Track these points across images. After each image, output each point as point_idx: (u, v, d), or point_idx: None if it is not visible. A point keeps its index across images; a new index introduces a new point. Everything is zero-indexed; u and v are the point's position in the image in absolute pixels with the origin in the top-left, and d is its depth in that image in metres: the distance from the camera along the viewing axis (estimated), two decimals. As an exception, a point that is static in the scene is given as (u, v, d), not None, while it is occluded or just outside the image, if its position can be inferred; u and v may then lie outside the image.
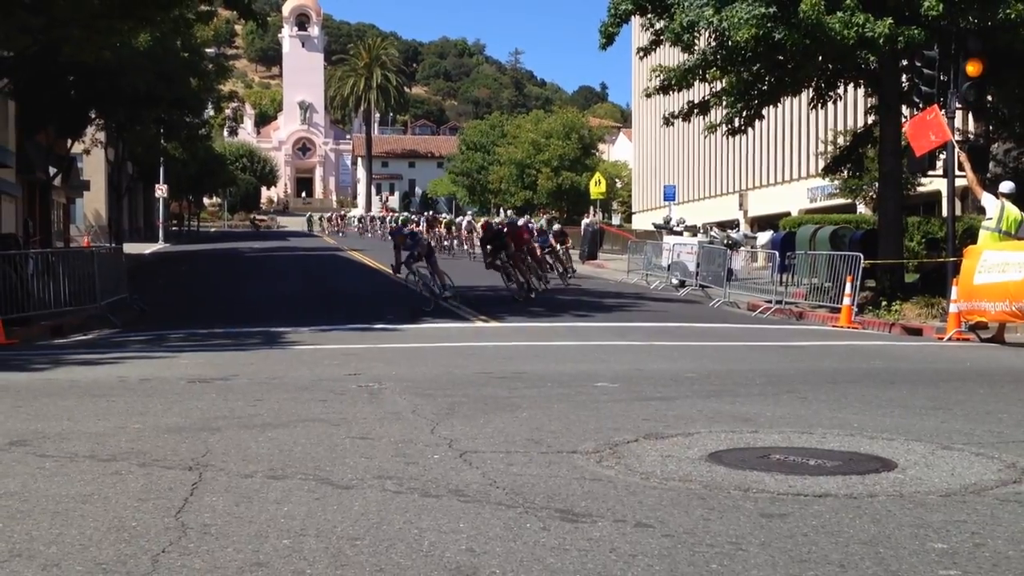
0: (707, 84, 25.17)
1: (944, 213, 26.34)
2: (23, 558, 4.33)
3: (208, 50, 51.11)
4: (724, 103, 24.99)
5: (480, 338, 16.67)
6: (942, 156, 21.01)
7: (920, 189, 36.45)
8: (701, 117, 26.37)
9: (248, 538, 4.62)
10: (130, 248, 44.35)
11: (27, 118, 37.34)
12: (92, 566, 4.22)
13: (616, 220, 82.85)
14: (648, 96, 25.64)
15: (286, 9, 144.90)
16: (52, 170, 41.38)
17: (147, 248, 55.11)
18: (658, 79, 24.41)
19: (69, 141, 41.74)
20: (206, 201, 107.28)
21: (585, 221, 51.99)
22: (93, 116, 40.72)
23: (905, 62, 22.34)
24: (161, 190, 65.72)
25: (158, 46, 36.23)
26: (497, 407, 8.61)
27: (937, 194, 37.80)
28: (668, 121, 26.06)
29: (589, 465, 6.22)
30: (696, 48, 22.76)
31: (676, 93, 25.29)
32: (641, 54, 25.55)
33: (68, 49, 25.01)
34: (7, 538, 4.63)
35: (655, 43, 24.31)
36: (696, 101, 25.79)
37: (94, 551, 4.43)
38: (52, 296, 17.86)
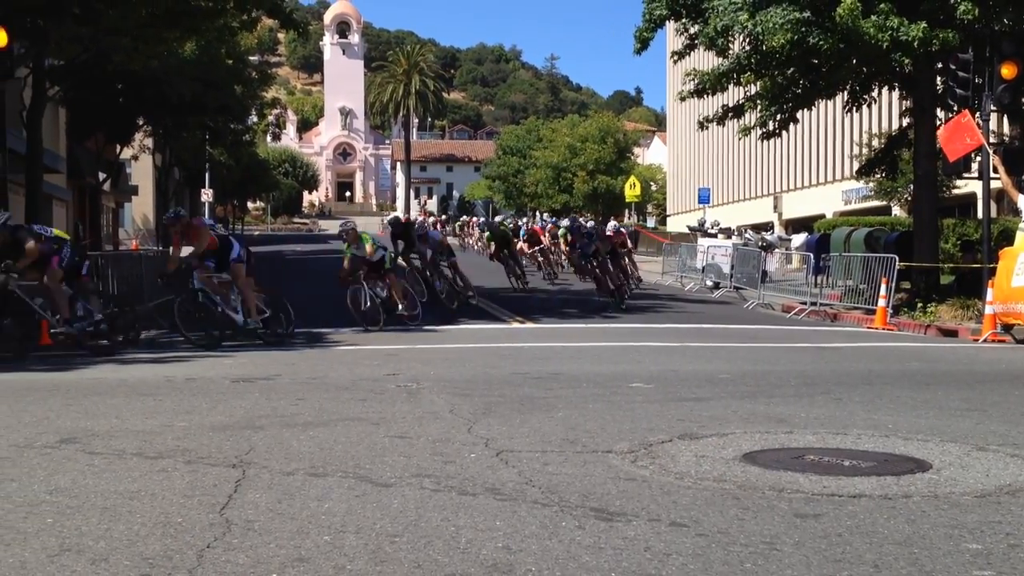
0: (741, 87, 25.12)
1: (980, 215, 26.17)
2: (73, 552, 4.43)
3: (252, 58, 51.55)
4: (758, 106, 24.94)
5: (516, 339, 16.70)
6: (977, 159, 20.91)
7: (955, 191, 36.30)
8: (735, 120, 26.34)
9: (290, 534, 4.70)
10: (177, 251, 44.57)
11: (77, 125, 38.05)
12: (139, 560, 4.30)
13: (651, 223, 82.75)
14: (682, 99, 25.62)
15: (327, 17, 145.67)
16: (101, 175, 42.08)
17: (193, 251, 55.18)
18: (692, 83, 24.38)
19: (118, 147, 42.32)
20: (250, 205, 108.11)
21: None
22: (141, 123, 41.25)
23: (939, 65, 22.22)
24: (207, 194, 66.17)
25: (203, 54, 36.75)
26: (533, 407, 8.68)
27: (972, 196, 37.58)
28: (703, 125, 26.03)
29: (624, 465, 6.27)
30: (730, 52, 22.73)
31: (710, 96, 25.27)
32: (675, 58, 25.52)
33: (117, 58, 25.42)
34: (58, 533, 4.73)
35: (689, 47, 24.28)
36: (730, 104, 25.76)
37: (141, 546, 4.51)
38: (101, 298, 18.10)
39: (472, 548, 4.51)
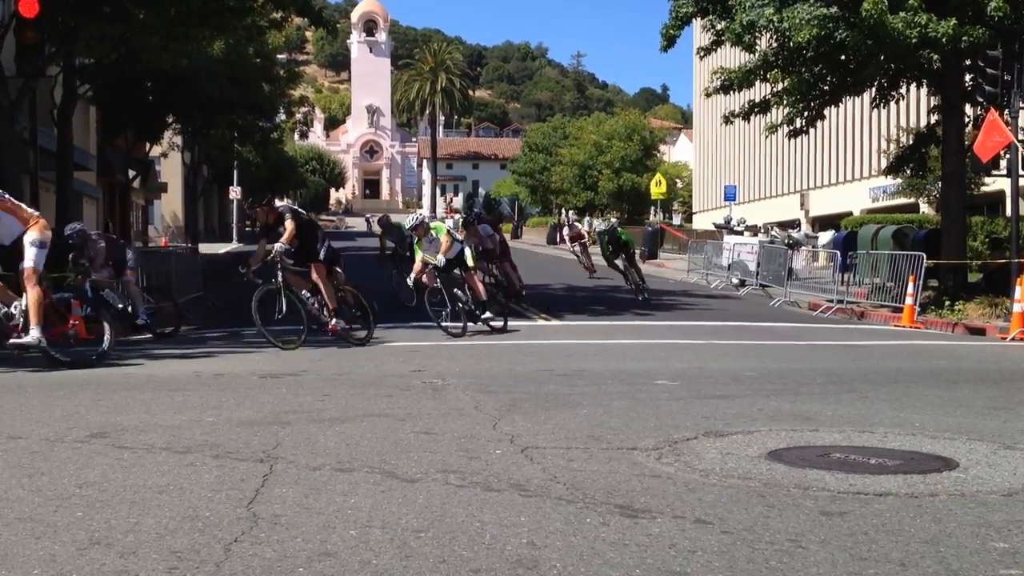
0: (768, 84, 25.05)
1: (1008, 212, 26.00)
2: (102, 546, 4.46)
3: (280, 56, 51.89)
4: (785, 103, 24.86)
5: (541, 336, 16.71)
6: (1006, 156, 20.81)
7: (984, 189, 36.05)
8: (762, 117, 26.26)
9: (317, 529, 4.72)
10: (205, 248, 44.91)
11: (107, 123, 38.49)
12: (167, 554, 4.32)
13: (677, 220, 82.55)
14: (708, 95, 25.57)
15: (355, 16, 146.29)
16: (131, 173, 42.46)
17: (221, 248, 55.50)
18: (719, 80, 24.34)
19: (147, 145, 42.71)
20: (277, 202, 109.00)
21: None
22: (170, 121, 41.56)
23: (968, 62, 22.10)
24: (235, 192, 66.51)
25: (232, 53, 36.99)
26: (558, 404, 8.69)
27: (1001, 194, 37.31)
28: (728, 120, 25.96)
29: (649, 462, 6.26)
30: (757, 48, 22.67)
31: (737, 93, 25.19)
32: (702, 54, 25.48)
33: (146, 57, 25.58)
34: (87, 526, 4.76)
35: (716, 43, 24.24)
36: (757, 100, 25.68)
37: (169, 540, 4.54)
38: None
39: (497, 544, 4.51)
